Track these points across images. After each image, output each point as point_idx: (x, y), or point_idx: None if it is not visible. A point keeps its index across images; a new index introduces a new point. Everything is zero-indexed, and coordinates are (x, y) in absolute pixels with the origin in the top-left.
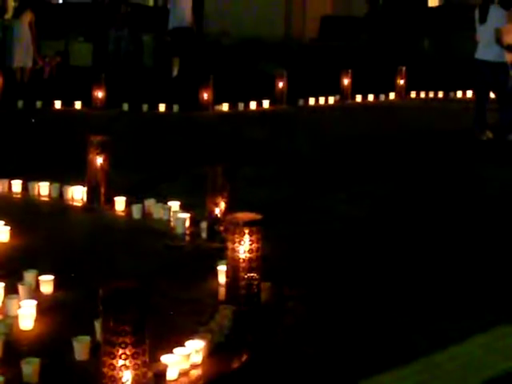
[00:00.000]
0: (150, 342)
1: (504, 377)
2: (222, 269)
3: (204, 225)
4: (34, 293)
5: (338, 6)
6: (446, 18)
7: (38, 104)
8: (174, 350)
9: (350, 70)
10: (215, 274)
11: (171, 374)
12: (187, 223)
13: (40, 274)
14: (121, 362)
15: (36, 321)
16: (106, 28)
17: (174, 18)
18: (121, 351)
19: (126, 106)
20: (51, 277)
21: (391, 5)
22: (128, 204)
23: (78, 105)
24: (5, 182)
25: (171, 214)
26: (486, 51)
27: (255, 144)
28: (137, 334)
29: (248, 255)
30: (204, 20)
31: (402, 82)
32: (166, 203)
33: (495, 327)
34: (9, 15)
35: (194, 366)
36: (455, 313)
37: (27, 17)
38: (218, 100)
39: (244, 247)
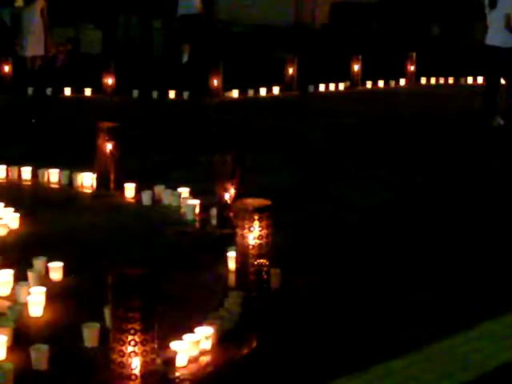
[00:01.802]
0: (159, 329)
1: (505, 367)
2: (231, 255)
3: (214, 211)
4: (44, 279)
5: None
6: (455, 3)
7: (48, 91)
8: (184, 337)
9: (360, 56)
10: (225, 260)
11: (180, 361)
12: (197, 210)
13: (49, 261)
14: (130, 349)
15: (45, 307)
16: (115, 15)
17: (181, 5)
18: (130, 338)
19: (135, 93)
20: (60, 263)
21: None
22: (138, 190)
23: (87, 92)
24: (15, 168)
25: (181, 200)
26: (496, 36)
27: (265, 130)
28: (146, 321)
29: (258, 241)
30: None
31: (412, 67)
32: (175, 189)
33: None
34: (19, 2)
35: (203, 353)
36: (466, 303)
37: (39, 4)
38: (228, 86)
39: (254, 233)
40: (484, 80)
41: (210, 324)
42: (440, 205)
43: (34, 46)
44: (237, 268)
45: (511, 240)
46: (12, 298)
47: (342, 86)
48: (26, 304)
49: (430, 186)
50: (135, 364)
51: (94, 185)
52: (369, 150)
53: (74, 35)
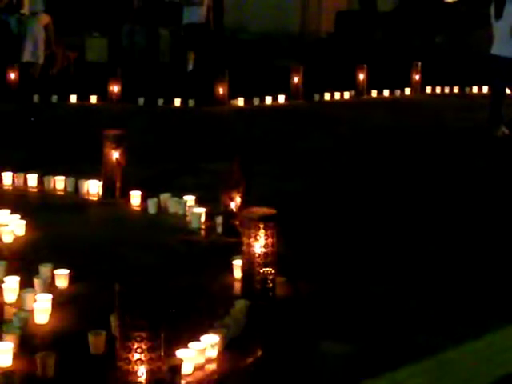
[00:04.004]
0: (165, 336)
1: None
2: (237, 263)
3: (219, 219)
4: (50, 287)
5: (354, 1)
6: (461, 13)
7: (54, 99)
8: (190, 345)
9: (365, 65)
10: (230, 268)
11: (186, 369)
12: (203, 218)
13: (55, 268)
14: (136, 356)
15: (51, 315)
16: (120, 23)
17: (186, 14)
18: (136, 345)
19: (141, 101)
20: (66, 271)
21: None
22: (143, 198)
23: (93, 99)
24: (21, 175)
25: (187, 208)
26: (501, 47)
27: (270, 139)
28: (152, 329)
29: (263, 250)
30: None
31: (417, 77)
32: (181, 198)
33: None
34: (24, 10)
35: (209, 361)
36: (466, 312)
37: (43, 19)
38: (234, 95)
39: (259, 242)
40: (489, 89)
41: (216, 332)
42: (444, 213)
43: (32, 53)
44: (242, 276)
45: None
46: (18, 305)
47: (347, 95)
48: (32, 311)
49: (435, 194)
50: (141, 372)
51: (100, 192)
52: (374, 159)
53: (79, 43)
